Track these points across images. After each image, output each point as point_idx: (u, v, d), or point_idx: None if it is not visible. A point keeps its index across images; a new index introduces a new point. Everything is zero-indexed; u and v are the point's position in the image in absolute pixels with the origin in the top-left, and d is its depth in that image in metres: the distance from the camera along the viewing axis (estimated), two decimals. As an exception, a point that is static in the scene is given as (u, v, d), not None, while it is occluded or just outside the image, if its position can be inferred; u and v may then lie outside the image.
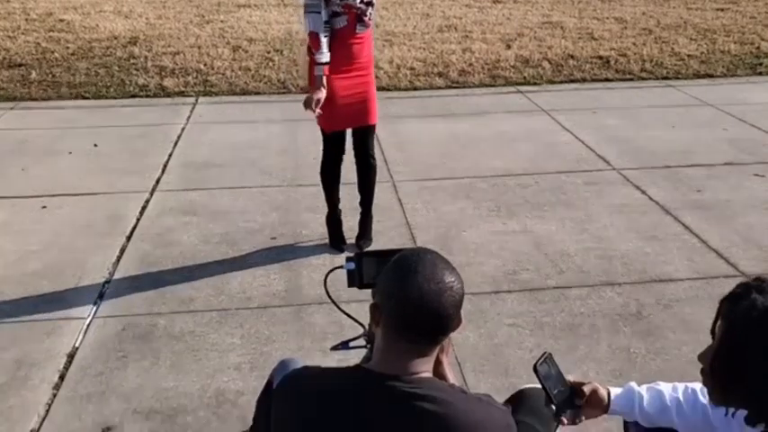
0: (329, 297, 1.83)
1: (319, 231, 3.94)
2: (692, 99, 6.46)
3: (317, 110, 3.33)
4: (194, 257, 3.67)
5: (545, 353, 1.65)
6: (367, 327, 1.75)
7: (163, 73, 7.05)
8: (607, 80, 7.10)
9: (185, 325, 3.08)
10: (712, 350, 1.36)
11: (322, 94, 3.32)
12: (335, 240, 3.77)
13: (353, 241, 3.79)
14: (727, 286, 3.34)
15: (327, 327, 3.05)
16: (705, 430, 1.58)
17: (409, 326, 1.32)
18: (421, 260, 1.35)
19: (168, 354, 2.89)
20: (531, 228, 3.95)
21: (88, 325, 3.09)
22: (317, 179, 4.63)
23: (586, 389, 1.65)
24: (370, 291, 1.86)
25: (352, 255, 1.80)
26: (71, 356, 2.87)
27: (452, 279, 1.35)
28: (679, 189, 4.48)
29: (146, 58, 7.44)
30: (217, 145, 5.36)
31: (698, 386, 1.63)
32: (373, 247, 3.75)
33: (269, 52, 7.71)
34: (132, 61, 7.37)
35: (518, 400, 1.84)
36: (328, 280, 1.84)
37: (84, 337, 3.00)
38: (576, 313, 3.15)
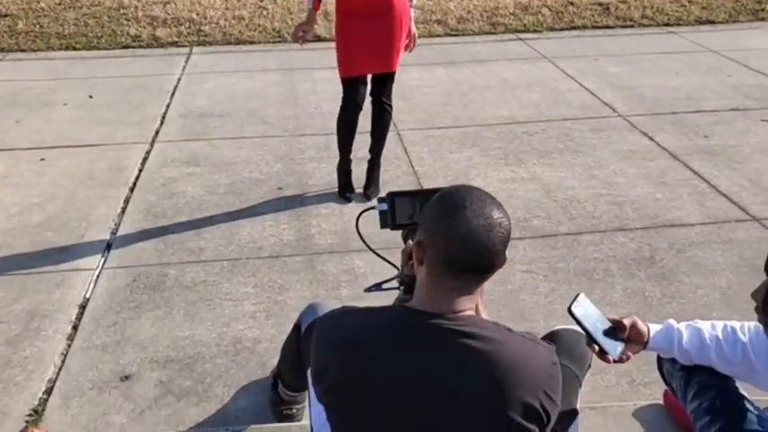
0: (362, 239, 1.79)
1: (325, 181, 3.89)
2: (694, 45, 6.38)
3: (300, 40, 3.46)
4: (200, 208, 3.62)
5: (577, 294, 1.63)
6: (399, 268, 1.72)
7: (155, 23, 6.86)
8: (608, 27, 6.99)
9: (196, 275, 3.05)
10: (764, 287, 1.35)
11: (308, 26, 3.47)
12: (344, 189, 3.72)
13: (361, 191, 3.75)
14: (739, 230, 3.39)
15: (341, 275, 3.03)
16: (744, 370, 1.58)
17: (456, 262, 1.28)
18: (468, 195, 1.31)
19: (181, 303, 2.86)
20: (539, 175, 3.91)
21: (98, 276, 3.04)
22: (319, 128, 4.59)
23: (626, 322, 1.63)
24: (396, 234, 1.85)
25: (383, 195, 1.76)
26: (83, 307, 2.83)
27: (501, 215, 1.31)
28: (686, 135, 4.44)
29: (135, 7, 7.23)
30: (214, 95, 5.25)
31: (737, 325, 1.62)
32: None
33: (262, 1, 7.51)
34: (122, 11, 7.16)
35: (551, 342, 1.82)
36: (357, 222, 1.80)
37: (94, 288, 2.96)
38: (590, 258, 3.14)
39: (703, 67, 5.75)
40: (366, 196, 3.69)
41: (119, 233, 3.38)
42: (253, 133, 4.55)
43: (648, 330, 1.64)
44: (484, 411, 1.29)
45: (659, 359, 1.83)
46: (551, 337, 1.85)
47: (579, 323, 1.58)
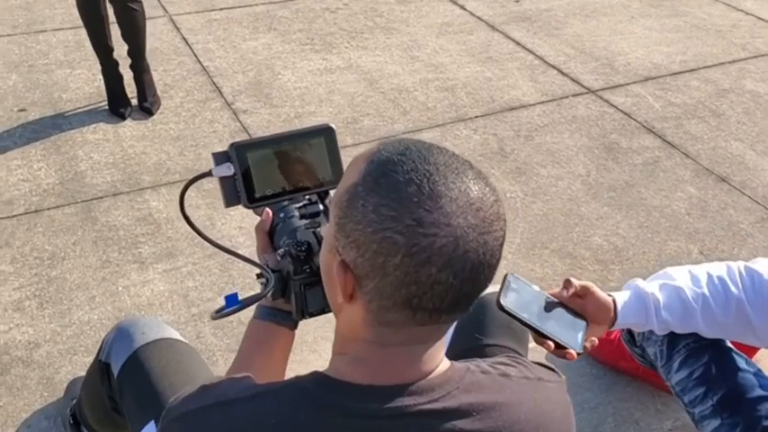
0: (190, 224, 1.08)
1: (85, 92, 2.96)
2: None
3: None
4: None
5: (505, 276, 1.13)
6: (262, 264, 1.08)
7: None
8: None
9: None
10: None
11: None
12: (117, 102, 2.82)
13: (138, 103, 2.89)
14: (579, 106, 3.07)
15: (135, 226, 2.27)
16: (737, 330, 1.19)
17: (431, 300, 0.69)
18: (431, 163, 0.69)
19: None
20: (356, 61, 3.31)
21: None
22: (63, 20, 3.53)
23: (577, 283, 1.16)
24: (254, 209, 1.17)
25: (223, 149, 1.06)
26: None
27: (493, 196, 0.72)
28: (497, 0, 4.05)
29: None
30: None
31: (723, 271, 1.21)
32: (170, 107, 2.89)
33: None
34: None
35: (479, 315, 1.33)
36: (183, 197, 1.08)
37: None
38: (437, 160, 2.68)
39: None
40: (145, 110, 2.84)
41: None
42: (-33, 34, 3.36)
43: (614, 303, 1.18)
44: None
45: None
46: (479, 309, 1.35)
47: (516, 318, 1.09)
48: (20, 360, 1.82)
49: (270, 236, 1.08)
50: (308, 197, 1.09)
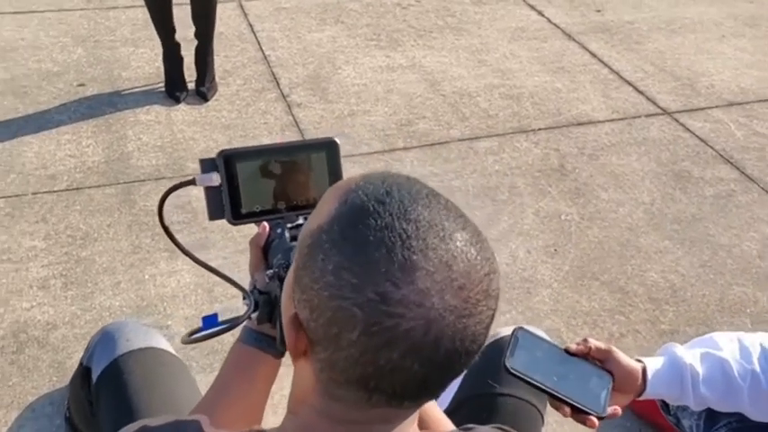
0: (170, 237, 0.99)
1: (145, 72, 2.95)
2: None
3: None
4: (-36, 117, 2.60)
5: (514, 331, 0.99)
6: (249, 288, 0.99)
7: None
8: None
9: (-44, 224, 2.12)
10: None
11: None
12: (173, 85, 2.80)
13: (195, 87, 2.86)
14: (652, 127, 2.86)
15: (172, 214, 2.22)
16: None
17: (391, 383, 0.57)
18: (416, 226, 0.56)
19: (-69, 273, 1.96)
20: (420, 61, 3.19)
21: None
22: (136, -2, 3.55)
23: (594, 344, 1.01)
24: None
25: (210, 157, 0.96)
26: None
27: (485, 268, 0.58)
28: (578, 9, 3.86)
29: None
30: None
31: None
32: (225, 94, 2.85)
33: None
34: None
35: (494, 358, 1.20)
36: (165, 206, 0.99)
37: None
38: (491, 172, 2.54)
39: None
40: (201, 95, 2.81)
41: None
42: (40, 5, 3.41)
43: (644, 370, 1.03)
44: None
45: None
46: (495, 351, 1.22)
47: (526, 381, 0.95)
48: (35, 340, 1.80)
49: (264, 252, 0.99)
50: (302, 217, 0.99)
